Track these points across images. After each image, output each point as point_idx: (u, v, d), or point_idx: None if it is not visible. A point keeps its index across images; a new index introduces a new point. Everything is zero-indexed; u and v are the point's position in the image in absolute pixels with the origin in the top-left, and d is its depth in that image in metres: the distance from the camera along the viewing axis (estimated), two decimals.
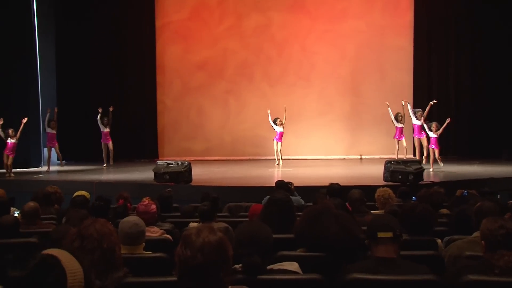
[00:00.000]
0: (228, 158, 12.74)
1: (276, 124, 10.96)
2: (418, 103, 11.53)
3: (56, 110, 10.82)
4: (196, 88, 13.06)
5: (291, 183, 5.72)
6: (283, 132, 11.02)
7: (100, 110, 11.11)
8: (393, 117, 10.35)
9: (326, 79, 12.85)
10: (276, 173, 9.55)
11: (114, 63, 12.80)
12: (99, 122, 11.13)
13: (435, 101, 10.14)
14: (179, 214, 4.84)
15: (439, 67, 12.47)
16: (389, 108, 10.38)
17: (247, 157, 12.72)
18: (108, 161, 11.31)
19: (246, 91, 13.02)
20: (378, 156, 12.30)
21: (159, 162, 8.27)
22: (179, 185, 7.68)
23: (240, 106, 13.07)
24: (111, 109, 11.24)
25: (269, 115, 10.90)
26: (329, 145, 12.75)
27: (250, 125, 12.93)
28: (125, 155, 12.45)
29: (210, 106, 13.07)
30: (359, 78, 12.76)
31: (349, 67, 12.76)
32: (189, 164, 8.03)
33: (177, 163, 8.02)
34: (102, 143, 11.30)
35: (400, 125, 10.37)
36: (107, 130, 11.23)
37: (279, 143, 11.10)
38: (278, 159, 11.05)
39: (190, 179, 8.04)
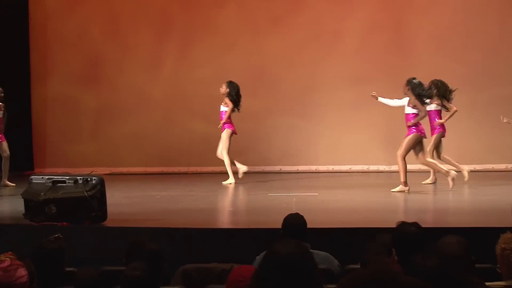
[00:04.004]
0: (183, 169, 13.04)
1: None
2: None
3: None
4: None
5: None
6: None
7: None
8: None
9: (375, 14, 13.09)
10: (284, 201, 9.55)
11: None
12: None
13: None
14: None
15: None
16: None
17: (216, 168, 12.95)
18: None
19: (206, 15, 13.26)
20: (491, 166, 12.80)
21: (35, 178, 8.20)
22: (79, 227, 7.65)
23: (188, 43, 13.29)
24: None
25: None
26: (375, 147, 13.03)
27: (203, 77, 13.12)
28: None
29: (130, 31, 13.35)
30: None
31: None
32: (101, 182, 7.94)
33: (75, 180, 7.94)
34: None
35: (433, 106, 10.93)
36: None
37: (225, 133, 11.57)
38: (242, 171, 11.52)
39: (104, 214, 7.98)
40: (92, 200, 7.82)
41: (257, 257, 5.21)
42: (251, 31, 13.24)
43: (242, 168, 11.52)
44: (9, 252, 4.44)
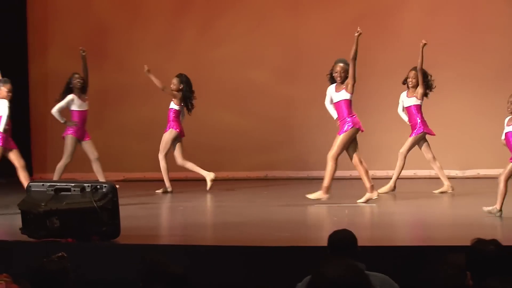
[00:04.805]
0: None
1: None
2: None
3: None
4: None
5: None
6: (177, 111, 11.88)
7: None
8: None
9: None
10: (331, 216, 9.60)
11: None
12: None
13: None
14: None
15: None
16: None
17: (252, 173, 13.16)
18: None
19: None
20: None
21: (34, 186, 8.24)
22: (87, 244, 7.71)
23: (211, 16, 13.61)
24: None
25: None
26: (444, 147, 12.97)
27: (229, 57, 13.32)
28: None
29: None
30: None
31: None
32: (112, 191, 7.96)
33: (82, 188, 7.96)
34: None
35: (413, 100, 11.50)
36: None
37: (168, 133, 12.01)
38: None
39: (116, 229, 8.01)
40: (102, 211, 7.85)
41: (299, 284, 5.20)
42: (287, 4, 13.19)
43: (209, 175, 11.68)
44: (5, 274, 4.42)
